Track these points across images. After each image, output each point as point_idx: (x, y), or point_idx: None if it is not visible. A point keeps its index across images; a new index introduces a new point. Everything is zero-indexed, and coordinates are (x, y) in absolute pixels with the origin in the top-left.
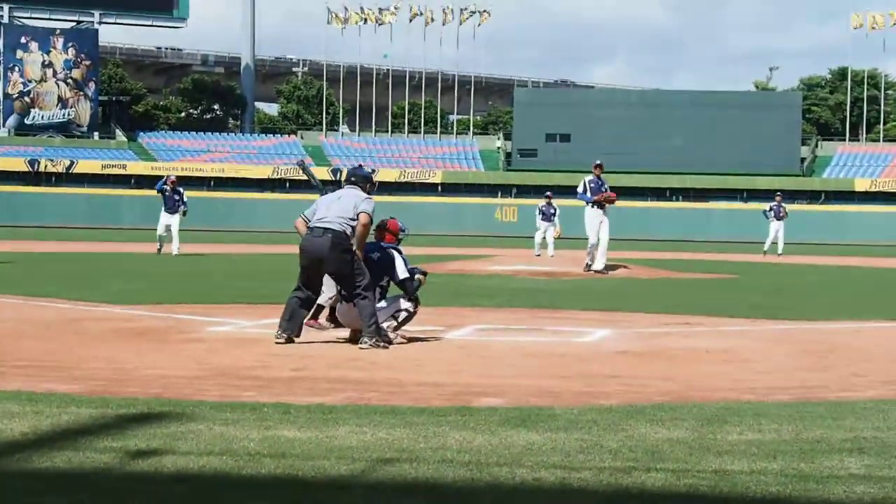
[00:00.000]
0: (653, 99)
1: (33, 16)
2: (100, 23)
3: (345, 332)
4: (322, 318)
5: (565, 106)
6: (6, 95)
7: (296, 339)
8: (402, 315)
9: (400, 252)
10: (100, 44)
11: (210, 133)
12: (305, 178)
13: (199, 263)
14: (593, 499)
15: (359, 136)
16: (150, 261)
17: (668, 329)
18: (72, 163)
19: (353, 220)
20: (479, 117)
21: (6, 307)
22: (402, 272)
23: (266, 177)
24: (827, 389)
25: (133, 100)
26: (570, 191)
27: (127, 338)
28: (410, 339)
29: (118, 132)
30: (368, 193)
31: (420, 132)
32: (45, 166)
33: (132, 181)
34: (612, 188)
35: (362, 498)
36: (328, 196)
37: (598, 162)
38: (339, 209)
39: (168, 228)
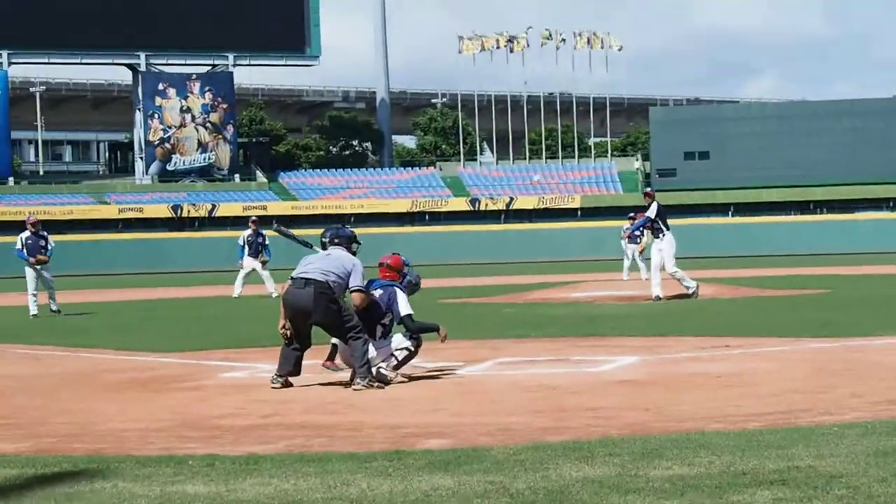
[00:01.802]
0: (790, 111)
1: (169, 62)
2: (234, 65)
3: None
4: (339, 359)
5: (703, 123)
6: (148, 143)
7: (294, 383)
8: (403, 353)
9: (402, 289)
10: (242, 86)
11: (349, 169)
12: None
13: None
14: None
15: (497, 164)
16: (229, 304)
17: (701, 353)
18: (213, 206)
19: (340, 277)
20: (617, 139)
21: (36, 360)
22: (404, 309)
23: (405, 210)
24: (808, 413)
25: (273, 140)
26: (708, 209)
27: (126, 389)
28: (413, 378)
29: (258, 173)
30: (354, 253)
31: (558, 157)
32: (188, 211)
33: (273, 222)
34: (754, 204)
35: None
36: (316, 255)
37: (647, 190)
38: (325, 264)
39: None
